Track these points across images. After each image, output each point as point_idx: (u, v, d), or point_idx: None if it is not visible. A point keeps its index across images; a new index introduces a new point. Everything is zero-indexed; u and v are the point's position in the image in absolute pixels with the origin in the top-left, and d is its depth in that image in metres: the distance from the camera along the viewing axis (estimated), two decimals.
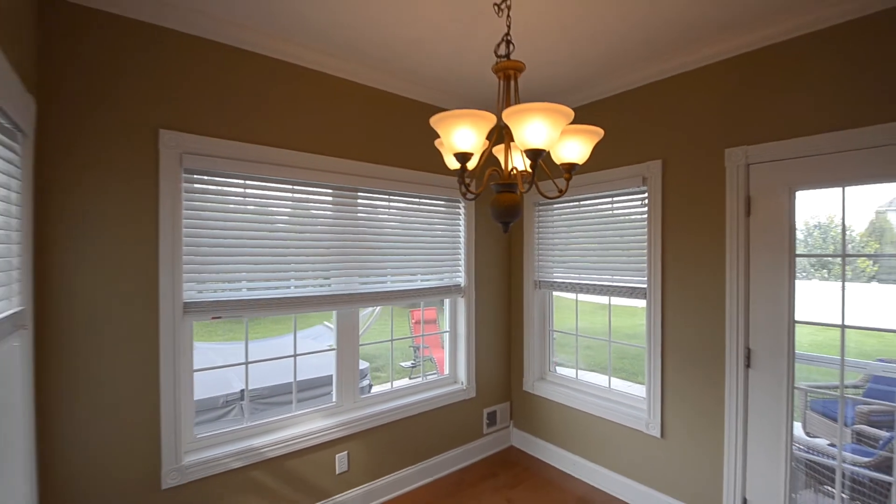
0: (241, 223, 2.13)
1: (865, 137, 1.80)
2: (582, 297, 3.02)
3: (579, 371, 3.09)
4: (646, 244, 2.52)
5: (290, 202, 2.30)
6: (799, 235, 2.06)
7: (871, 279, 3.32)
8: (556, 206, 3.09)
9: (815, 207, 2.09)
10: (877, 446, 2.21)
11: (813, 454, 2.22)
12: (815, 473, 2.21)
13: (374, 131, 2.61)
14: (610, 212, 2.77)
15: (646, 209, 2.53)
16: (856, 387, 2.93)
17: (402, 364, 6.50)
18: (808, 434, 2.98)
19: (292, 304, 2.30)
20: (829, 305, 1.99)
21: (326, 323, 6.71)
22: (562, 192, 1.50)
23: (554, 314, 3.28)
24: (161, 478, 1.89)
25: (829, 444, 2.37)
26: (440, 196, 2.95)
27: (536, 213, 3.20)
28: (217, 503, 2.04)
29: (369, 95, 2.58)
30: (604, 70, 2.52)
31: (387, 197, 2.70)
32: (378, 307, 2.41)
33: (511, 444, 3.36)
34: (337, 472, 2.42)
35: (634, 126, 2.58)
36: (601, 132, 1.41)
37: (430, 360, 5.94)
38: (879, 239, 2.53)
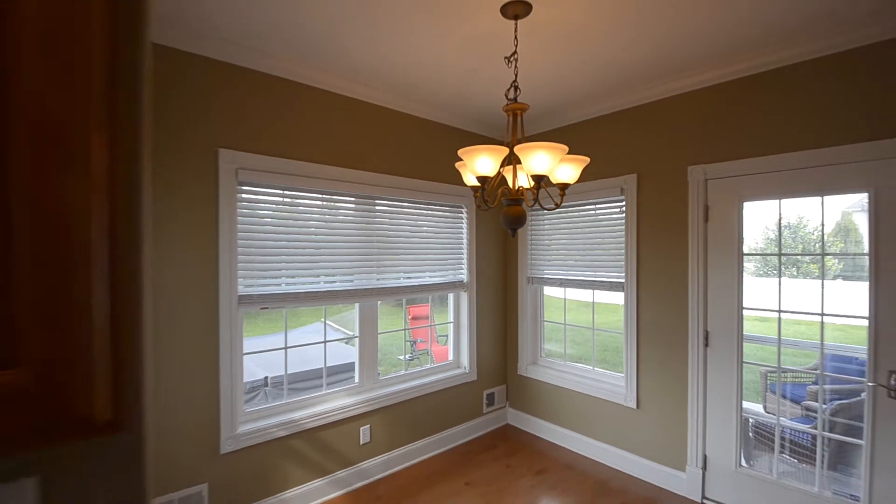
0: (282, 227, 2.49)
1: (794, 160, 2.27)
2: (569, 295, 3.45)
3: (566, 360, 3.53)
4: (623, 245, 2.96)
5: (320, 209, 2.66)
6: (770, 235, 2.51)
7: (835, 277, 3.82)
8: (546, 212, 3.51)
9: (787, 211, 2.54)
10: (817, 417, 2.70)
11: (756, 417, 2.69)
12: (760, 434, 2.68)
13: (390, 146, 2.98)
14: (593, 217, 3.20)
15: (623, 215, 2.97)
16: (813, 370, 3.42)
17: (399, 357, 6.87)
18: (766, 411, 3.48)
19: (323, 297, 2.66)
20: (796, 299, 2.46)
21: (328, 321, 7.03)
22: (557, 205, 1.91)
23: (545, 307, 3.71)
24: (220, 444, 2.24)
25: (769, 413, 2.85)
26: (446, 203, 3.34)
27: (530, 217, 3.62)
28: (265, 466, 2.39)
29: (388, 116, 2.96)
30: (588, 97, 2.95)
31: (400, 203, 3.08)
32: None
33: (507, 423, 3.78)
34: (361, 443, 2.80)
35: (614, 144, 3.02)
36: (587, 160, 1.83)
37: (427, 353, 6.32)
38: (844, 238, 2.98)
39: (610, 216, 3.09)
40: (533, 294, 3.68)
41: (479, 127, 3.54)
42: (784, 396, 3.60)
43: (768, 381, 3.57)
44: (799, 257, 4.85)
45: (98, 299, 0.47)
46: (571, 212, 3.35)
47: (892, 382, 2.02)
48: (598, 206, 3.17)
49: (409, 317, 7.16)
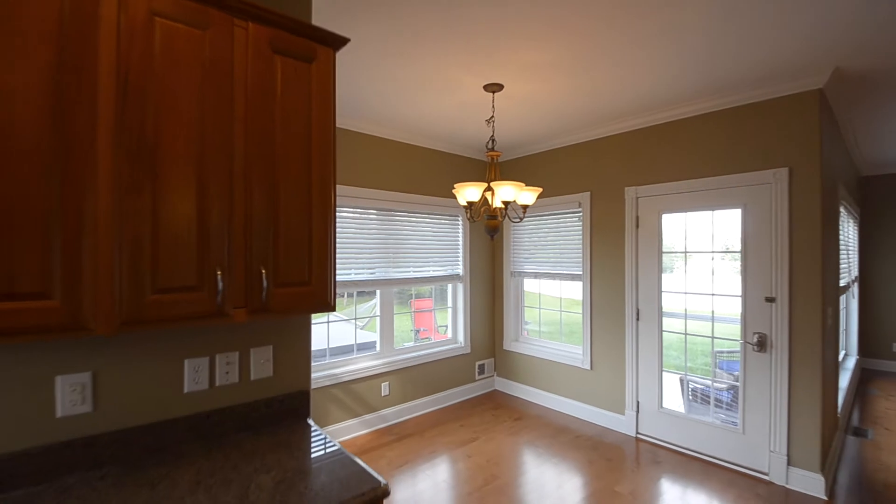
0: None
1: (697, 185, 3.18)
2: (543, 287, 4.36)
3: (540, 337, 4.43)
4: (581, 246, 3.88)
5: (353, 220, 3.56)
6: (680, 237, 3.41)
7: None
8: (525, 219, 4.42)
9: (691, 220, 3.45)
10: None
11: (675, 372, 3.60)
12: (681, 384, 3.59)
13: (403, 170, 3.89)
14: (558, 224, 4.12)
15: (580, 223, 3.88)
16: (707, 335, 4.26)
17: (405, 345, 7.74)
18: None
19: (354, 285, 3.57)
20: (696, 284, 3.37)
21: (338, 314, 7.92)
22: (521, 219, 2.83)
23: (524, 296, 4.63)
24: None
25: (685, 374, 3.75)
26: (445, 213, 4.25)
27: (511, 224, 4.53)
28: (316, 405, 3.30)
29: (400, 148, 3.87)
30: (551, 135, 3.86)
31: (410, 214, 3.98)
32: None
33: (495, 388, 4.69)
34: (382, 395, 3.70)
35: (574, 169, 3.94)
36: (540, 189, 2.75)
37: (429, 340, 7.21)
38: (726, 241, 3.86)
39: (571, 224, 4.00)
40: (515, 285, 4.59)
41: (469, 152, 4.45)
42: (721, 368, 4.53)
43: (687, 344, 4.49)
44: (697, 253, 5.86)
45: (328, 265, 1.45)
46: (543, 220, 4.26)
47: (755, 340, 2.93)
48: (562, 215, 4.08)
49: (414, 309, 8.08)
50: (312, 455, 1.34)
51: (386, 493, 1.18)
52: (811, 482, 2.67)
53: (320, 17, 2.05)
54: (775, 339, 2.84)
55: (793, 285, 2.76)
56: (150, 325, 1.08)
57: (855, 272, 5.24)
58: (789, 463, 2.77)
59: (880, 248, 5.60)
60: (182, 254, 1.12)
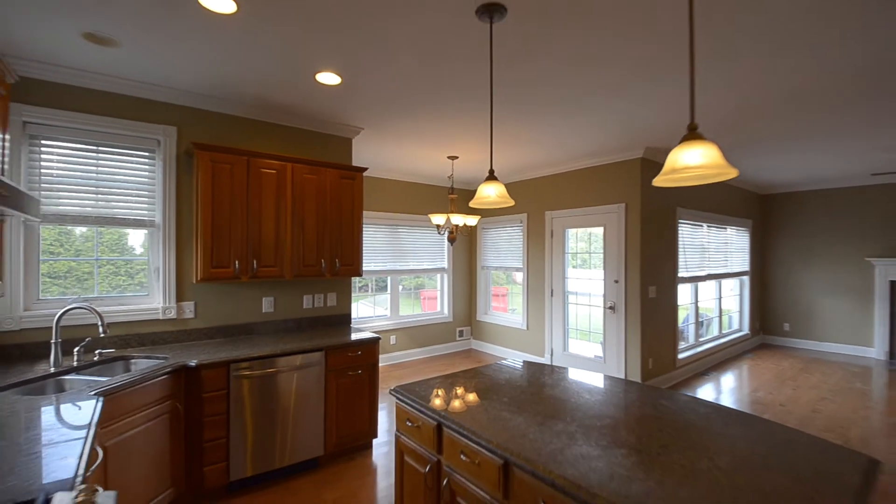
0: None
1: (591, 209, 5.16)
2: (501, 278, 6.39)
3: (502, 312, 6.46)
4: (522, 249, 5.90)
5: (374, 231, 5.70)
6: (579, 244, 5.40)
7: (596, 265, 6.64)
8: (491, 228, 6.46)
9: (581, 233, 5.42)
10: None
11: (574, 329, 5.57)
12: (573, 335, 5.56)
13: (403, 198, 6.01)
14: (509, 234, 6.14)
15: (521, 234, 5.90)
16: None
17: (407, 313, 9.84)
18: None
19: (375, 273, 5.71)
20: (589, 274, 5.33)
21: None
22: (466, 235, 4.91)
23: (491, 283, 6.66)
24: None
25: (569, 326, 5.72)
26: (431, 226, 6.34)
27: (481, 232, 6.57)
28: None
29: (399, 184, 5.99)
30: (501, 175, 5.90)
31: (408, 226, 6.09)
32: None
33: (471, 347, 6.75)
34: (391, 343, 5.83)
35: (517, 198, 5.95)
36: (479, 217, 4.82)
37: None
38: (589, 243, 5.79)
39: (516, 234, 6.03)
40: (485, 275, 6.64)
41: (445, 182, 6.52)
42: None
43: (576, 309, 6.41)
44: (584, 254, 7.81)
45: (360, 256, 3.67)
46: (500, 231, 6.30)
47: (610, 305, 4.89)
48: (511, 228, 6.11)
49: (423, 297, 10.21)
50: (351, 334, 3.47)
51: (377, 339, 3.29)
52: None
53: (362, 141, 4.19)
54: (619, 305, 4.79)
55: (627, 273, 4.71)
56: (301, 276, 3.24)
57: (743, 266, 6.99)
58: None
59: (773, 251, 7.32)
60: (310, 253, 3.28)
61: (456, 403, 1.79)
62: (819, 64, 2.51)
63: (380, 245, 5.77)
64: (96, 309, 2.37)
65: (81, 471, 1.19)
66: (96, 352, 2.57)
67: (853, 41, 2.23)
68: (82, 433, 1.44)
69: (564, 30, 2.13)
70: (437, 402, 1.81)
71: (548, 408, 1.73)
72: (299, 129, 3.58)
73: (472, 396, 1.88)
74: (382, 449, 3.36)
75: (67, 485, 1.11)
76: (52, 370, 2.24)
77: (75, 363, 2.39)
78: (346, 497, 2.68)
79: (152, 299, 2.97)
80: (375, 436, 3.30)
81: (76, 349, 2.45)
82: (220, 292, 3.19)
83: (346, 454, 3.23)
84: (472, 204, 2.10)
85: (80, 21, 2.07)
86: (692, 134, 1.23)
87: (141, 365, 2.60)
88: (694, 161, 1.19)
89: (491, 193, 1.97)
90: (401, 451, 1.96)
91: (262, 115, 3.34)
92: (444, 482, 1.66)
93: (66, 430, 1.47)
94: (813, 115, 3.44)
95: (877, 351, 6.22)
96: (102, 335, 2.37)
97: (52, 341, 2.30)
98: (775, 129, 3.84)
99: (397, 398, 1.97)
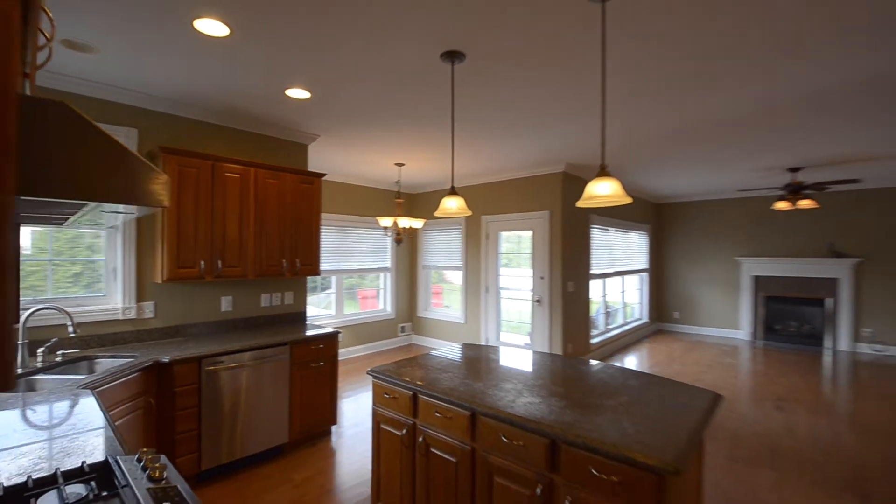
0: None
1: (521, 215, 5.79)
2: (445, 276, 6.87)
3: (440, 308, 6.95)
4: (461, 249, 6.43)
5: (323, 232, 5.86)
6: (509, 246, 6.03)
7: (528, 265, 7.55)
8: (432, 230, 6.91)
9: (511, 236, 6.06)
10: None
11: (507, 321, 6.23)
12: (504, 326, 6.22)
13: (350, 201, 6.24)
14: (448, 237, 6.64)
15: (461, 236, 6.43)
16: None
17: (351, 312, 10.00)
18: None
19: (323, 272, 5.88)
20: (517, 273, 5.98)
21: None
22: (414, 236, 5.32)
23: (431, 281, 7.11)
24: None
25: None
26: (379, 227, 6.64)
27: (423, 233, 7.00)
28: None
29: (348, 187, 6.22)
30: (439, 182, 6.38)
31: (355, 227, 6.34)
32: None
33: (412, 342, 7.15)
34: (340, 340, 6.03)
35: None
36: (424, 220, 5.25)
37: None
38: (519, 244, 6.56)
39: (455, 236, 6.55)
40: (426, 274, 7.07)
41: (391, 186, 6.87)
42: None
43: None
44: (516, 254, 8.99)
45: (318, 256, 3.94)
46: (441, 233, 6.78)
47: (536, 299, 5.57)
48: (451, 231, 6.62)
49: (360, 297, 10.39)
50: (306, 330, 3.71)
51: (337, 334, 3.58)
52: None
53: (315, 146, 4.39)
54: (545, 298, 5.49)
55: (552, 270, 5.42)
56: (263, 276, 3.42)
57: (643, 265, 8.19)
58: None
59: (666, 251, 8.65)
60: (272, 253, 3.47)
61: (425, 377, 2.20)
62: (691, 112, 3.29)
63: (328, 245, 5.94)
64: (66, 309, 2.41)
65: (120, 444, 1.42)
66: (58, 353, 2.58)
67: (715, 98, 3.01)
68: (102, 420, 1.63)
69: (505, 78, 2.63)
70: (409, 377, 2.21)
71: (497, 375, 2.21)
72: (260, 134, 3.73)
73: (436, 372, 2.30)
74: (342, 434, 3.65)
75: (120, 453, 1.35)
76: (20, 371, 2.27)
77: (39, 364, 2.41)
78: (314, 476, 2.96)
79: (110, 300, 2.99)
80: (335, 422, 3.58)
81: (39, 350, 2.46)
82: (180, 292, 3.27)
83: (309, 441, 3.48)
84: (436, 214, 2.52)
85: (61, 27, 2.15)
86: (602, 172, 1.76)
87: (105, 364, 2.65)
88: (603, 192, 1.72)
89: (453, 206, 2.41)
90: (378, 421, 2.32)
91: (225, 120, 3.46)
92: (420, 439, 2.07)
93: (89, 418, 1.65)
94: (694, 147, 4.35)
95: (743, 332, 7.68)
96: (73, 335, 2.42)
97: (19, 342, 2.31)
98: (665, 155, 4.74)
99: (375, 377, 2.33)
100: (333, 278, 6.17)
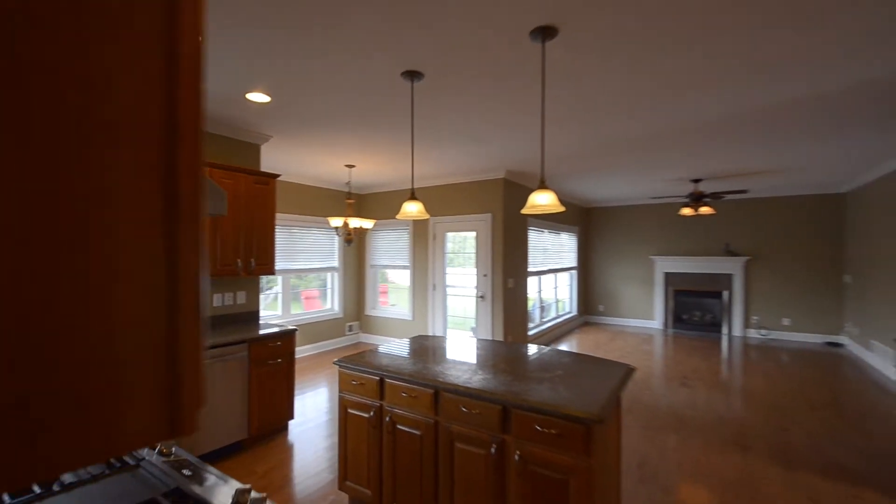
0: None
1: (462, 217, 6.16)
2: (391, 275, 7.08)
3: (388, 306, 7.15)
4: (408, 249, 6.68)
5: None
6: (454, 246, 6.37)
7: (470, 265, 8.09)
8: (381, 230, 7.09)
9: (456, 237, 6.42)
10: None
11: (453, 316, 6.59)
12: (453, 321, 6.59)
13: (299, 201, 6.25)
14: (397, 237, 6.87)
15: (409, 236, 6.68)
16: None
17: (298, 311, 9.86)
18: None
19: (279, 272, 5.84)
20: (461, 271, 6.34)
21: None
22: (363, 236, 5.49)
23: (378, 280, 7.29)
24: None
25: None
26: (327, 228, 6.70)
27: (372, 234, 7.16)
28: None
29: (296, 186, 6.22)
30: (388, 183, 6.59)
31: (304, 226, 6.35)
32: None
33: (360, 340, 7.28)
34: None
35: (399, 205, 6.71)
36: (374, 220, 5.44)
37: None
38: (464, 244, 7.01)
39: (403, 237, 6.79)
40: (373, 273, 7.24)
41: (341, 186, 6.96)
42: None
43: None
44: (461, 254, 9.72)
45: (273, 257, 4.02)
46: (388, 234, 6.98)
47: (480, 295, 5.98)
48: (399, 232, 6.85)
49: (304, 297, 10.24)
50: (260, 329, 3.79)
51: (294, 331, 3.69)
52: None
53: (267, 146, 4.42)
54: (488, 295, 5.91)
55: (494, 268, 5.86)
56: (219, 276, 3.45)
57: (573, 263, 8.98)
58: None
59: (593, 250, 9.53)
60: (227, 253, 3.51)
61: (390, 364, 2.45)
62: (610, 132, 3.84)
63: (276, 245, 5.90)
64: None
65: None
66: None
67: (632, 121, 3.56)
68: None
69: (457, 94, 2.95)
70: (376, 365, 2.45)
71: (452, 359, 2.52)
72: (214, 134, 3.73)
73: (398, 360, 2.56)
74: (299, 428, 3.76)
75: None
76: None
77: None
78: (277, 467, 3.09)
79: None
80: (292, 417, 3.69)
81: None
82: None
83: (268, 436, 3.56)
84: (398, 217, 2.78)
85: None
86: (542, 185, 2.14)
87: None
88: (542, 202, 2.09)
89: (413, 210, 2.68)
90: (345, 406, 2.53)
91: None
92: (387, 419, 2.32)
93: None
94: (614, 160, 4.98)
95: (657, 322, 8.70)
96: None
97: None
98: (591, 166, 5.35)
99: (341, 367, 2.53)
100: (280, 278, 6.14)
